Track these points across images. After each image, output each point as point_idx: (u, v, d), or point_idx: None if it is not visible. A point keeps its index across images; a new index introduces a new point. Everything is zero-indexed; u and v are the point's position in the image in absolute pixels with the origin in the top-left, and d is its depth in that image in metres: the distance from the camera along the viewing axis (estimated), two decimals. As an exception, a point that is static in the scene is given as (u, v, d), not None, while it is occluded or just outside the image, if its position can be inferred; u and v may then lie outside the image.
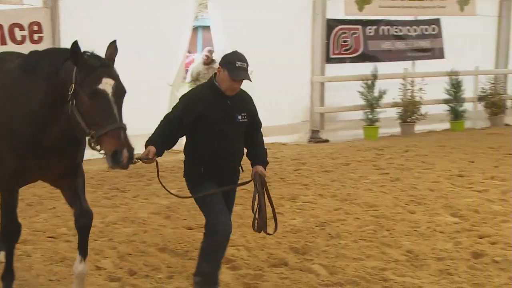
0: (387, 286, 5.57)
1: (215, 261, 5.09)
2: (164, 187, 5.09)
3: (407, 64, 15.88)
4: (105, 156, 4.29)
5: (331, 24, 14.69)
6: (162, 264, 6.10)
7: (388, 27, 15.59)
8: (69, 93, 4.36)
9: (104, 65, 4.35)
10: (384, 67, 14.89)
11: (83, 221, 4.84)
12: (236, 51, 4.96)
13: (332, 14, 14.67)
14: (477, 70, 16.45)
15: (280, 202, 8.51)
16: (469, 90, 16.09)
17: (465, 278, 5.76)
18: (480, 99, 16.44)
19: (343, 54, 14.91)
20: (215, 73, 4.96)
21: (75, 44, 4.28)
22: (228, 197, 5.11)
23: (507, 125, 16.50)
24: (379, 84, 14.46)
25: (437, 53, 16.31)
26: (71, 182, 4.91)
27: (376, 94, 14.38)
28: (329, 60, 14.63)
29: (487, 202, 8.45)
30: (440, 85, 15.53)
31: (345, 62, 14.92)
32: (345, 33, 14.91)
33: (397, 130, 15.06)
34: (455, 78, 15.76)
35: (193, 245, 6.59)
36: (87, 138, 4.46)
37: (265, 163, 5.13)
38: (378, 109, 14.43)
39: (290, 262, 6.17)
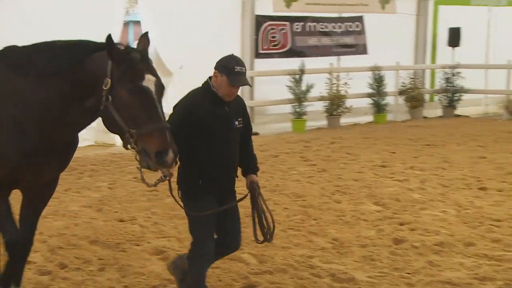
0: (314, 273, 5.65)
1: (202, 276, 4.72)
2: (176, 201, 4.65)
3: (332, 59, 16.11)
4: (141, 155, 3.88)
5: (260, 20, 14.75)
6: (94, 257, 6.00)
7: (315, 23, 15.79)
8: (104, 88, 3.90)
9: (144, 59, 3.98)
10: (311, 62, 15.07)
11: (26, 238, 4.42)
12: (232, 55, 4.59)
13: (260, 11, 14.74)
14: (398, 65, 16.85)
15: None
16: (390, 85, 16.47)
17: (386, 263, 5.91)
18: (400, 93, 16.85)
19: (271, 49, 15.01)
20: (210, 77, 4.57)
21: (109, 37, 3.88)
22: (233, 214, 4.76)
23: (425, 117, 17.00)
24: (307, 79, 14.61)
25: (360, 49, 16.63)
26: (48, 191, 4.48)
27: (303, 88, 14.54)
28: (258, 55, 14.70)
29: (407, 191, 8.69)
30: (364, 80, 15.83)
31: (273, 57, 15.02)
32: (273, 29, 15.00)
33: (323, 123, 15.27)
34: (377, 73, 16.10)
35: (125, 237, 6.51)
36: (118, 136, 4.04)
37: (257, 170, 4.83)
38: (305, 103, 14.60)
39: (220, 252, 6.16)
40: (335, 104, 15.14)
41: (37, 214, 4.53)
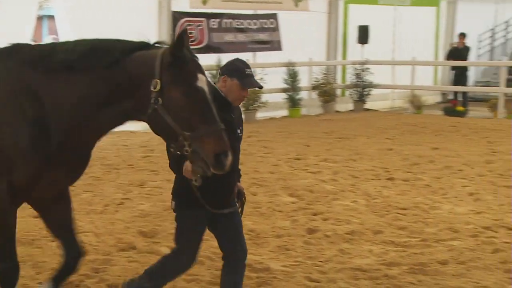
0: (231, 264, 5.66)
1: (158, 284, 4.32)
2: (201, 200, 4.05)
3: (248, 55, 16.19)
4: (195, 159, 3.53)
5: (176, 17, 14.63)
6: (8, 254, 5.77)
7: (231, 20, 15.81)
8: (153, 89, 3.53)
9: (194, 57, 3.65)
10: (227, 58, 15.03)
11: (75, 258, 4.06)
12: (238, 58, 4.31)
13: (177, 7, 14.60)
14: (311, 61, 17.13)
15: (128, 188, 8.37)
16: (304, 80, 16.72)
17: (300, 252, 6.00)
18: (314, 88, 17.13)
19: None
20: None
21: (184, 31, 3.58)
22: (233, 219, 4.29)
23: (337, 111, 17.36)
24: (223, 74, 14.58)
25: (275, 45, 16.79)
26: (64, 206, 4.08)
27: (220, 83, 14.49)
28: (175, 51, 14.58)
29: (320, 182, 8.84)
30: (279, 75, 15.99)
31: (190, 53, 14.92)
32: (190, 25, 14.89)
33: (240, 117, 15.29)
34: (292, 69, 16.30)
35: (40, 233, 6.30)
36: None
37: (240, 177, 4.53)
38: (222, 98, 14.57)
39: (138, 246, 6.08)
40: (252, 98, 15.21)
41: (68, 225, 4.12)
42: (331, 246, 6.17)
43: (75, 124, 3.68)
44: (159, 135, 3.72)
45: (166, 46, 3.65)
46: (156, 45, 3.71)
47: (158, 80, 3.53)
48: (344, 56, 18.90)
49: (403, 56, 18.97)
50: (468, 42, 19.00)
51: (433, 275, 5.36)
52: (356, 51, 18.32)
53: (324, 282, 5.23)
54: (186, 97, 3.53)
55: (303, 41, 16.90)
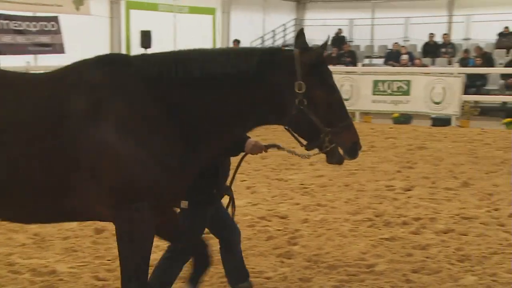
0: (13, 270, 5.28)
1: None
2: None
3: (29, 57, 15.27)
4: (334, 152, 3.58)
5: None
6: None
7: (8, 21, 14.77)
8: (299, 91, 3.45)
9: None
10: (6, 60, 14.06)
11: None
12: None
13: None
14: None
15: None
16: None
17: (88, 252, 5.79)
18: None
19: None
20: None
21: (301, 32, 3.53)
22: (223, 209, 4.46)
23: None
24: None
25: (57, 48, 16.05)
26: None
27: None
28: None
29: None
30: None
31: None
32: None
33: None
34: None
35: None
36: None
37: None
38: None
39: None
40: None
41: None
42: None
43: (221, 136, 3.59)
44: (300, 136, 3.67)
45: (292, 50, 3.59)
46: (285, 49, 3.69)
47: (302, 82, 3.48)
48: (127, 60, 18.69)
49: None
50: (242, 48, 19.89)
51: (214, 265, 5.49)
52: (139, 55, 18.23)
53: (112, 280, 5.10)
54: (327, 96, 3.57)
55: (86, 44, 16.36)
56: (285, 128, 3.68)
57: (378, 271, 5.30)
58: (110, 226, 6.51)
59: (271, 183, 8.93)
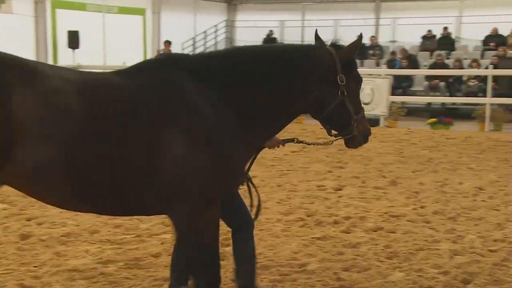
0: None
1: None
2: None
3: None
4: (358, 137, 4.00)
5: None
6: None
7: None
8: (341, 83, 3.84)
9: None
10: None
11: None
12: None
13: None
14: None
15: None
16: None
17: (13, 259, 5.58)
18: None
19: None
20: None
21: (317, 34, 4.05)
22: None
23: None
24: None
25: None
26: None
27: None
28: None
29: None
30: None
31: None
32: None
33: None
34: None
35: None
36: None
37: None
38: None
39: None
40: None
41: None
42: (46, 250, 5.85)
43: (275, 128, 3.94)
44: (334, 125, 3.97)
45: (328, 47, 3.97)
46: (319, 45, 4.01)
47: (342, 75, 3.85)
48: (55, 60, 18.19)
49: (114, 61, 18.95)
50: (173, 49, 19.76)
51: (147, 268, 5.43)
52: (67, 56, 17.77)
53: (39, 287, 4.94)
54: (357, 87, 4.01)
55: (10, 44, 15.81)
56: (316, 118, 3.99)
57: (310, 270, 5.37)
58: (37, 231, 6.32)
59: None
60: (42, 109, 3.26)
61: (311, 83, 3.82)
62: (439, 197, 8.08)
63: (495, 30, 22.29)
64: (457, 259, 5.63)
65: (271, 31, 26.36)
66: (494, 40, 21.86)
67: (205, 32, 27.74)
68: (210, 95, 3.58)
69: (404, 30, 25.26)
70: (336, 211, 7.40)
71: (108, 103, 3.43)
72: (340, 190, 8.62)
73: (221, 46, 28.61)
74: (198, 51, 27.30)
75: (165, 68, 3.63)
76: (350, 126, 3.96)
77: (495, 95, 16.67)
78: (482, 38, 22.85)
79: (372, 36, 23.82)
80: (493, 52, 20.39)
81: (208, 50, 27.21)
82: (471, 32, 24.21)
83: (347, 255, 5.77)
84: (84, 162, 3.36)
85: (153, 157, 3.44)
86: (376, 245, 6.11)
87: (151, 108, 3.47)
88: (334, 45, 4.02)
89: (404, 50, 20.94)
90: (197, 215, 3.64)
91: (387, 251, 5.92)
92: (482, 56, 21.43)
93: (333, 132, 4.00)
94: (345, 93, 3.87)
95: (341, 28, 25.70)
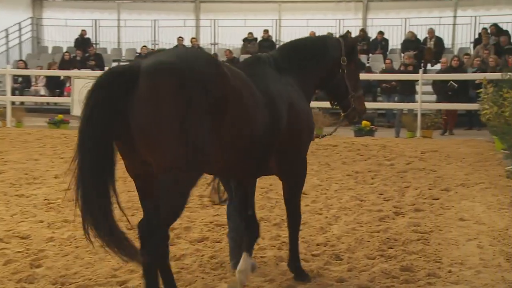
0: None
1: None
2: None
3: None
4: (354, 111, 5.72)
5: None
6: None
7: None
8: (343, 63, 5.56)
9: None
10: None
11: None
12: None
13: None
14: None
15: None
16: None
17: None
18: None
19: None
20: None
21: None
22: None
23: None
24: None
25: None
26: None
27: None
28: None
29: None
30: None
31: None
32: None
33: None
34: None
35: None
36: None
37: None
38: None
39: None
40: None
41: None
42: None
43: (312, 94, 5.65)
44: (334, 97, 5.77)
45: (338, 37, 5.81)
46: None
47: (344, 57, 5.56)
48: None
49: None
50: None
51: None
52: None
53: None
54: (356, 69, 5.72)
55: None
56: (324, 89, 5.79)
57: (132, 288, 5.29)
58: None
59: (10, 200, 8.40)
60: (241, 92, 4.55)
61: (328, 62, 5.54)
62: (265, 203, 8.38)
63: (313, 33, 23.68)
64: (282, 266, 5.88)
65: (84, 31, 25.62)
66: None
67: (6, 30, 26.21)
68: (287, 78, 5.23)
69: (225, 32, 25.95)
70: (159, 222, 7.36)
71: (252, 87, 4.78)
72: (163, 200, 8.60)
73: (27, 46, 27.24)
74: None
75: (261, 62, 5.20)
76: (347, 99, 5.64)
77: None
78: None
79: (193, 38, 24.16)
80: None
81: (11, 50, 25.79)
82: (291, 35, 25.57)
83: (172, 269, 5.77)
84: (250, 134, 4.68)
85: (279, 123, 4.92)
86: (201, 256, 6.18)
87: (272, 89, 4.96)
88: (342, 36, 5.83)
89: (229, 52, 21.50)
90: (305, 161, 5.36)
91: (212, 261, 6.01)
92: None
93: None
94: (345, 71, 5.55)
95: (161, 29, 25.74)
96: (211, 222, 7.44)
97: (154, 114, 3.99)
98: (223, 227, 7.24)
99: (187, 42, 23.98)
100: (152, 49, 22.78)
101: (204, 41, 25.79)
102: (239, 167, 4.84)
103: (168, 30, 25.46)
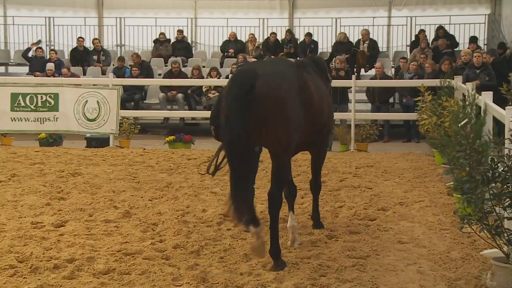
0: None
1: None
2: None
3: None
4: None
5: None
6: None
7: None
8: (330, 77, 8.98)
9: None
10: None
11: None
12: None
13: None
14: None
15: None
16: None
17: None
18: None
19: None
20: None
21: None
22: None
23: None
24: None
25: None
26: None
27: None
28: None
29: None
30: None
31: None
32: None
33: None
34: None
35: None
36: None
37: None
38: None
39: None
40: None
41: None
42: None
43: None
44: None
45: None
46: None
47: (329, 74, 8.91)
48: None
49: None
50: None
51: None
52: None
53: None
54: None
55: None
56: None
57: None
58: None
59: None
60: (316, 92, 7.45)
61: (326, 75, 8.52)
62: (181, 228, 8.36)
63: (233, 35, 23.86)
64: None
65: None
66: (233, 47, 23.36)
67: None
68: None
69: (133, 32, 25.70)
70: (57, 253, 7.23)
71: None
72: (62, 226, 8.45)
73: None
74: None
75: (300, 66, 7.69)
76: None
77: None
78: (220, 43, 24.28)
79: (95, 39, 23.82)
80: (234, 60, 21.71)
81: None
82: (208, 36, 25.61)
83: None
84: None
85: (331, 111, 8.22)
86: (107, 291, 6.09)
87: (323, 87, 7.96)
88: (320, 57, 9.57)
89: (136, 56, 21.34)
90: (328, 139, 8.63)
91: (121, 297, 5.93)
92: (222, 65, 22.77)
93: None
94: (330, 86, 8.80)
95: (57, 27, 25.24)
96: (118, 251, 7.35)
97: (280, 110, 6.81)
98: (133, 256, 7.16)
99: (88, 44, 23.65)
100: (52, 51, 22.30)
101: (109, 43, 25.46)
102: (306, 144, 7.70)
103: (65, 29, 25.01)
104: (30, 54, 22.47)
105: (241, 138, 6.55)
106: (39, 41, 23.00)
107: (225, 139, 6.79)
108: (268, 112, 6.67)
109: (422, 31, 22.77)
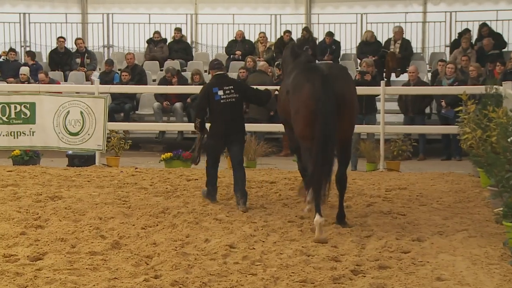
0: None
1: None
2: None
3: None
4: None
5: None
6: None
7: None
8: None
9: None
10: None
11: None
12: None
13: None
14: None
15: None
16: None
17: None
18: None
19: None
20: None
21: None
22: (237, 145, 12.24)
23: None
24: None
25: None
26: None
27: None
28: None
29: None
30: None
31: None
32: None
33: None
34: None
35: None
36: None
37: None
38: None
39: None
40: None
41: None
42: None
43: None
44: None
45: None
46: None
47: None
48: None
49: None
50: None
51: None
52: None
53: None
54: None
55: None
56: None
57: None
58: None
59: None
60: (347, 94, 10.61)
61: None
62: (179, 262, 8.34)
63: (240, 34, 23.82)
64: None
65: None
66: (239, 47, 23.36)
67: None
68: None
69: (122, 31, 25.72)
70: (35, 291, 7.23)
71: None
72: (39, 260, 8.44)
73: None
74: None
75: (319, 69, 10.67)
76: None
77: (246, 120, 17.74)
78: (225, 44, 24.23)
79: (78, 39, 23.89)
80: (241, 63, 21.62)
81: None
82: (211, 35, 25.56)
83: None
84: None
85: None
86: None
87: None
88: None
89: (131, 56, 21.31)
90: None
91: None
92: (228, 69, 22.75)
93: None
94: None
95: (33, 25, 25.30)
96: (107, 289, 7.35)
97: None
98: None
99: (70, 44, 23.73)
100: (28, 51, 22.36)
101: (94, 43, 25.53)
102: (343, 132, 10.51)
103: (43, 28, 25.08)
104: (0, 58, 22.52)
105: (334, 132, 9.89)
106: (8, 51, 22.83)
107: (322, 133, 9.81)
108: (352, 111, 10.54)
109: (467, 30, 22.55)
